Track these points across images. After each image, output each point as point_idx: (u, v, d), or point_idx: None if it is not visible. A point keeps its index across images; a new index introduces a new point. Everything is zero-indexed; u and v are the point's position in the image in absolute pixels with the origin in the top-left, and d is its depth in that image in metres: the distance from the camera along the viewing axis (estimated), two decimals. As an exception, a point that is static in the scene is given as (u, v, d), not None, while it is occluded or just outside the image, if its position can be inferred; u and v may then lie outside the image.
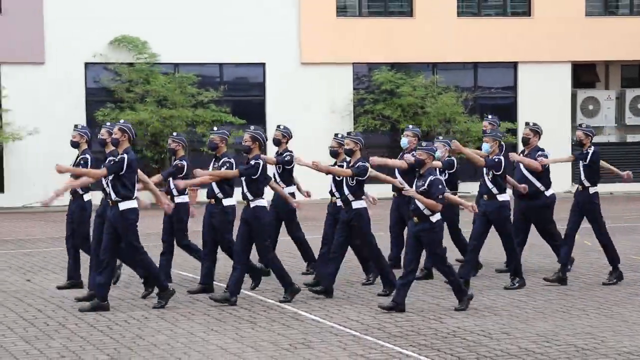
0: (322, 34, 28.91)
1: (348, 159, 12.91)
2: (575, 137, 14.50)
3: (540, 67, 30.38)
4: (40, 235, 20.55)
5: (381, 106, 29.08)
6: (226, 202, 13.07)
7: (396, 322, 11.26)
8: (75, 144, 13.86)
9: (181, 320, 11.44)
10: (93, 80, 28.02)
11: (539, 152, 14.21)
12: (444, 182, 11.95)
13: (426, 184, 11.63)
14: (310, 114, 28.60)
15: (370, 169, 12.74)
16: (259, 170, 12.44)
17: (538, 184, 14.13)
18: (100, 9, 27.35)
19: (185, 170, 14.01)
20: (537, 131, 14.50)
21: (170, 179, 13.88)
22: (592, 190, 13.86)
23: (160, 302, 12.20)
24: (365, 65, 29.99)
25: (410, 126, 14.74)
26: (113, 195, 12.04)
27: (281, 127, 14.80)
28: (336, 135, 13.28)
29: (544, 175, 14.17)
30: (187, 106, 27.42)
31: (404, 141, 13.99)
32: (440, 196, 11.61)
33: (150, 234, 16.67)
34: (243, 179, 12.48)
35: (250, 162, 12.45)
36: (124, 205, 12.02)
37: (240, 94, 29.65)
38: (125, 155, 12.01)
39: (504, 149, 13.80)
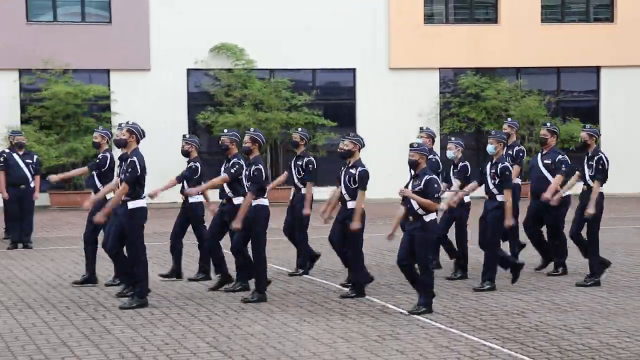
0: (410, 40, 28.83)
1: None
2: (580, 138, 13.70)
3: (622, 72, 29.88)
4: (147, 230, 20.78)
5: (466, 109, 28.97)
6: (237, 201, 12.74)
7: (480, 316, 11.16)
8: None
9: (276, 311, 11.50)
10: (194, 85, 28.33)
11: (559, 155, 13.89)
12: (439, 182, 11.60)
13: (422, 184, 11.14)
14: (398, 117, 28.53)
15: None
16: (242, 170, 12.30)
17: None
18: (202, 19, 27.64)
19: (199, 172, 13.80)
20: (554, 132, 14.14)
21: (185, 182, 13.71)
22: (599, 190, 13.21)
23: (131, 303, 11.81)
24: (451, 70, 29.85)
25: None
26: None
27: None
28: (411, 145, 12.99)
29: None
30: (281, 109, 27.58)
31: (490, 148, 13.26)
32: (436, 195, 11.21)
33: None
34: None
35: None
36: (132, 204, 11.85)
37: (332, 97, 29.71)
38: (135, 158, 11.76)
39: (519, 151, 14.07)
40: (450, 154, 13.78)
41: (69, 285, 13.51)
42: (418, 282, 11.43)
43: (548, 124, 14.43)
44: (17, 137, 18.47)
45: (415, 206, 11.17)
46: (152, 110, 27.15)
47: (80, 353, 9.44)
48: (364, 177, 12.24)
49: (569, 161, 13.79)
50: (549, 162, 13.98)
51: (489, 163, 12.88)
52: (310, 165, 14.26)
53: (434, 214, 11.29)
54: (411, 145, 11.46)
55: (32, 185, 18.00)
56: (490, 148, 12.90)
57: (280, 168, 28.30)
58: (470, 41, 29.24)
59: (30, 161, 18.11)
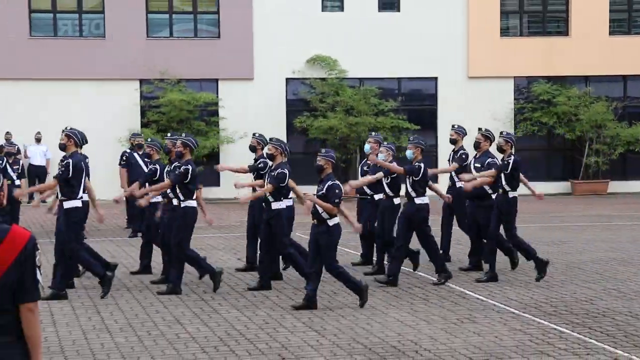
0: (487, 52, 28.58)
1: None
2: (496, 144, 12.96)
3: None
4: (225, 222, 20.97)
5: (539, 114, 28.63)
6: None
7: (551, 302, 11.00)
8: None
9: (364, 295, 11.51)
10: (292, 93, 28.48)
11: (489, 158, 13.00)
12: (341, 188, 10.80)
13: (324, 189, 10.55)
14: (476, 122, 28.29)
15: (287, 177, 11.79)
16: (189, 176, 11.70)
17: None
18: (299, 33, 27.78)
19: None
20: (487, 136, 13.32)
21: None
22: (511, 194, 12.47)
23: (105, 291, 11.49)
24: (525, 79, 29.47)
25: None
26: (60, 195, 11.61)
27: (256, 134, 13.58)
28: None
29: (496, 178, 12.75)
30: (370, 114, 27.56)
31: (409, 153, 12.57)
32: (337, 200, 10.57)
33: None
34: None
35: (180, 169, 11.77)
36: (68, 204, 11.41)
37: (415, 103, 29.58)
38: (70, 160, 11.36)
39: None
40: (381, 156, 12.94)
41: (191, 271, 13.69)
42: (346, 284, 10.96)
43: (483, 129, 13.66)
44: (137, 139, 18.82)
45: (320, 210, 10.58)
46: (255, 115, 27.44)
47: (191, 330, 9.58)
48: (281, 175, 11.53)
49: (497, 163, 12.78)
50: (479, 165, 13.09)
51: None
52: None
53: (337, 218, 10.66)
54: (319, 152, 11.12)
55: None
56: (408, 153, 12.43)
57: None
58: (543, 52, 28.88)
59: (148, 160, 18.38)
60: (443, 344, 8.91)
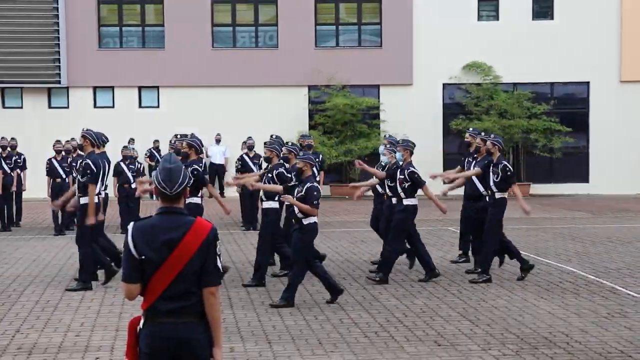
0: None
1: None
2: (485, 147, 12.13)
3: None
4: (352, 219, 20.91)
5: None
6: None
7: (702, 300, 10.43)
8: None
9: (517, 288, 11.24)
10: (449, 97, 28.24)
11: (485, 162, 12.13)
12: (319, 190, 10.19)
13: (303, 190, 10.08)
14: (628, 125, 27.32)
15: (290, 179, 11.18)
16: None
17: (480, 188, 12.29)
18: (456, 41, 27.54)
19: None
20: (485, 141, 12.30)
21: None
22: (498, 195, 11.79)
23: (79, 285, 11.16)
24: (677, 83, 28.11)
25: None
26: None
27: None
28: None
29: (481, 179, 12.24)
30: (523, 117, 27.01)
31: (398, 155, 11.98)
32: (315, 202, 10.00)
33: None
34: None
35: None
36: (84, 200, 11.18)
37: (567, 107, 28.70)
38: (88, 160, 11.15)
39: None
40: (384, 159, 12.46)
41: (344, 260, 13.80)
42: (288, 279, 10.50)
43: (482, 134, 12.77)
44: (306, 140, 19.03)
45: (296, 210, 10.14)
46: (414, 118, 27.39)
47: (354, 316, 9.62)
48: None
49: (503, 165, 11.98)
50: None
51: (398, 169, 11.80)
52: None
53: (314, 218, 10.14)
54: (297, 157, 10.75)
55: (316, 179, 18.36)
56: (398, 155, 11.83)
57: (521, 167, 27.74)
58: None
59: (318, 160, 18.60)
60: (594, 337, 8.59)
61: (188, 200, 11.38)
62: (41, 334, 8.81)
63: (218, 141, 26.76)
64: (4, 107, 27.30)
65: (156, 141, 26.00)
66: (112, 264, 11.62)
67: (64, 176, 17.43)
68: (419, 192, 11.72)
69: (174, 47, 27.26)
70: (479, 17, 27.97)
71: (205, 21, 27.49)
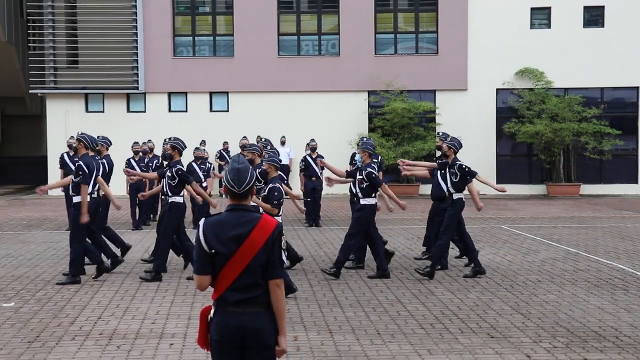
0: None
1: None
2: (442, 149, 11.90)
3: None
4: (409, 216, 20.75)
5: None
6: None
7: None
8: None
9: (567, 284, 11.06)
10: (502, 102, 27.92)
11: (458, 162, 11.70)
12: (281, 191, 10.03)
13: (266, 191, 10.09)
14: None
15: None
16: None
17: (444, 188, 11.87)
18: (509, 48, 27.26)
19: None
20: (451, 146, 11.87)
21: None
22: (456, 196, 11.52)
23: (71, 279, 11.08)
24: None
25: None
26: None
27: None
28: None
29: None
30: (573, 120, 26.56)
31: (358, 157, 11.81)
32: (275, 202, 9.93)
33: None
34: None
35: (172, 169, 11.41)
36: (77, 199, 11.12)
37: (617, 111, 28.14)
38: (81, 162, 11.10)
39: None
40: (357, 157, 12.03)
41: (401, 255, 13.74)
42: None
43: (448, 138, 12.30)
44: (311, 144, 19.13)
45: (261, 210, 9.82)
46: (468, 122, 27.19)
47: (410, 309, 9.58)
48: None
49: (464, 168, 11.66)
50: (453, 171, 11.78)
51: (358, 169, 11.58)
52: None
53: (277, 217, 9.90)
54: (263, 159, 10.64)
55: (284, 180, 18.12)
56: (357, 157, 11.60)
57: (572, 169, 27.31)
58: None
59: (376, 160, 18.57)
60: (642, 332, 8.40)
61: (170, 200, 11.47)
62: (120, 321, 8.96)
63: (283, 143, 26.88)
64: (87, 111, 27.84)
65: (225, 143, 26.23)
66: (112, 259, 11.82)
67: None
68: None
69: (243, 55, 27.48)
70: (532, 25, 27.62)
71: (272, 31, 27.64)
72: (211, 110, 27.82)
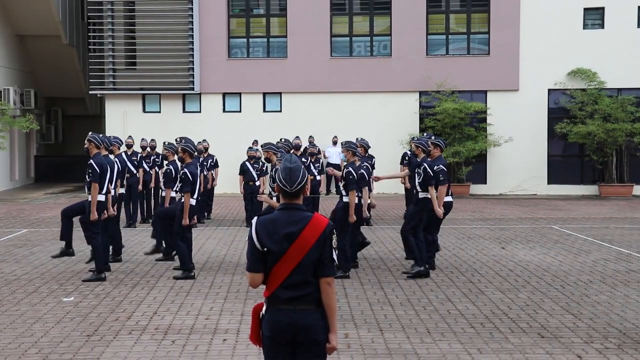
0: None
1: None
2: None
3: None
4: (512, 215, 20.57)
5: None
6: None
7: None
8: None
9: (619, 285, 10.85)
10: (554, 102, 27.50)
11: (438, 164, 11.56)
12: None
13: None
14: None
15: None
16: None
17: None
18: (561, 49, 26.86)
19: (173, 174, 12.92)
20: (436, 144, 11.74)
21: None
22: (421, 195, 11.49)
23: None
24: None
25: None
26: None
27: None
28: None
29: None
30: (626, 121, 26.06)
31: (342, 156, 11.87)
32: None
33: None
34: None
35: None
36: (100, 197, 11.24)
37: (671, 111, 27.56)
38: (92, 161, 11.13)
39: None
40: (342, 155, 12.17)
41: (452, 254, 13.63)
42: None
43: (433, 137, 12.03)
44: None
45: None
46: (519, 122, 26.90)
47: (461, 308, 9.50)
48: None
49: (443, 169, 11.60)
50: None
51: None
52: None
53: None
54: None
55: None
56: (341, 156, 11.49)
57: (624, 169, 26.81)
58: None
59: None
60: (696, 335, 8.20)
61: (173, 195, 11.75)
62: (175, 316, 9.06)
63: (335, 143, 26.90)
64: (144, 111, 28.22)
65: (279, 142, 26.34)
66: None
67: None
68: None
69: (296, 56, 27.56)
70: (584, 26, 27.15)
71: (325, 32, 27.67)
72: (264, 110, 27.96)
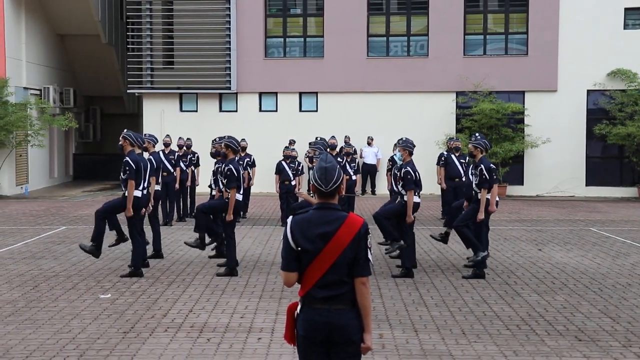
0: None
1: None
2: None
3: None
4: (549, 217, 20.37)
5: None
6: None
7: None
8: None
9: (658, 289, 10.71)
10: (593, 103, 27.19)
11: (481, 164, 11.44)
12: None
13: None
14: None
15: None
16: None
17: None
18: (601, 49, 26.53)
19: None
20: (476, 146, 11.56)
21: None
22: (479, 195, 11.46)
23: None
24: None
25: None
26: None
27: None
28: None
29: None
30: (667, 122, 25.72)
31: (398, 155, 11.77)
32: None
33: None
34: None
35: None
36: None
37: None
38: (128, 158, 11.25)
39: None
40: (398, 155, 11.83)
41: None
42: None
43: (473, 139, 11.82)
44: (454, 143, 18.85)
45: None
46: (557, 123, 26.65)
47: (496, 309, 9.44)
48: None
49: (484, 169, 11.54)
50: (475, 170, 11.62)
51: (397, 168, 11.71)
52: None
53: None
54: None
55: (463, 179, 18.03)
56: (397, 155, 11.43)
57: (665, 171, 26.44)
58: None
59: (463, 161, 18.39)
60: None
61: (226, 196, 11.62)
62: (210, 314, 9.12)
63: (369, 143, 26.86)
64: (181, 110, 28.43)
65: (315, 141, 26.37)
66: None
67: None
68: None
69: (332, 56, 27.56)
70: (625, 26, 26.80)
71: (361, 32, 27.64)
72: (300, 110, 28.00)
